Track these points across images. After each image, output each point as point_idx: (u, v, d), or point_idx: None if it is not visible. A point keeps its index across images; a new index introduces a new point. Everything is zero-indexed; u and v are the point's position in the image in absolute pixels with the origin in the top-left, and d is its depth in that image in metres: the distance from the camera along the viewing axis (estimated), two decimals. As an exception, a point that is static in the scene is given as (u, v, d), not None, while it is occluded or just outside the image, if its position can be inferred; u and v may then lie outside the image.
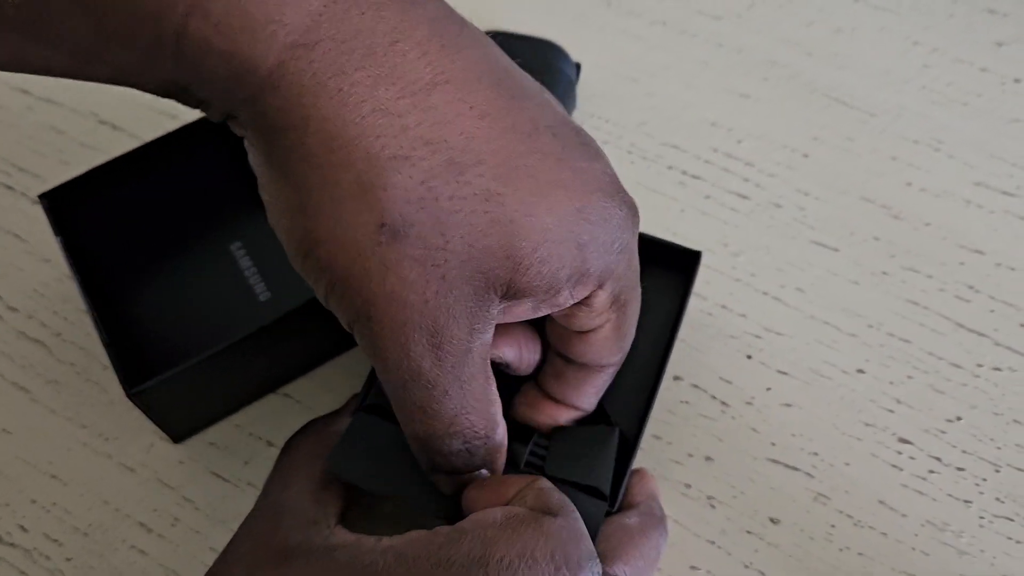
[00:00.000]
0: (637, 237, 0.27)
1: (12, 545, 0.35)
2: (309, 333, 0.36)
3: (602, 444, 0.30)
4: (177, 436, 0.36)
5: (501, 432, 0.27)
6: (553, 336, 0.30)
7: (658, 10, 0.48)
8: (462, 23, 0.25)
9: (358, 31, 0.23)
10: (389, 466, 0.29)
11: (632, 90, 0.45)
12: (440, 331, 0.24)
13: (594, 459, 0.30)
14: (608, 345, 0.29)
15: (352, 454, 0.30)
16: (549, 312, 0.27)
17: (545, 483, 0.28)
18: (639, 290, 0.29)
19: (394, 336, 0.24)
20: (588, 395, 0.30)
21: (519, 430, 0.31)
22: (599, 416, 0.31)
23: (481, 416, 0.26)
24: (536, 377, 0.31)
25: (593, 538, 0.28)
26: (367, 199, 0.23)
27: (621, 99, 0.45)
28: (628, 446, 0.31)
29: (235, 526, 0.34)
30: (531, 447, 0.30)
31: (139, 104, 0.45)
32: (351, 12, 0.23)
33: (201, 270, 0.37)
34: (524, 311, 0.26)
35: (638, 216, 0.27)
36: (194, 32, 0.22)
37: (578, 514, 0.27)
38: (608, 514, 0.30)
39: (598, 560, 0.26)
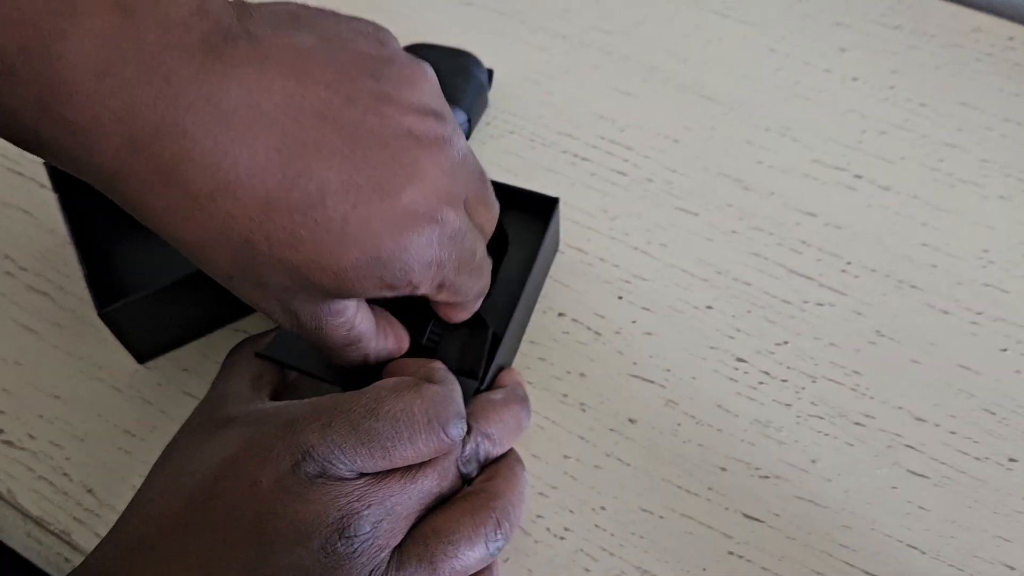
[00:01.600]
0: (450, 232, 0.33)
1: (23, 449, 0.43)
2: None
3: (478, 339, 0.39)
4: (140, 356, 0.45)
5: (380, 355, 0.37)
6: None
7: (561, 25, 0.57)
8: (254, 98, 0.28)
9: (151, 167, 0.27)
10: (311, 355, 0.38)
11: (536, 90, 0.55)
12: (292, 319, 0.33)
13: (472, 350, 0.39)
14: (451, 303, 0.37)
15: (282, 346, 0.39)
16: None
17: (436, 363, 0.37)
18: (472, 260, 0.35)
19: (266, 315, 0.33)
20: (459, 317, 0.39)
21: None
22: (479, 321, 0.40)
23: (347, 359, 0.36)
24: None
25: (465, 406, 0.36)
26: (202, 264, 0.30)
27: (526, 97, 0.54)
28: (496, 341, 0.40)
29: (201, 428, 0.42)
30: (430, 329, 0.40)
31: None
32: (140, 153, 0.27)
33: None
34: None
35: (440, 228, 0.32)
36: (47, 152, 0.27)
37: (457, 385, 0.35)
38: (478, 391, 0.39)
39: (464, 420, 0.35)
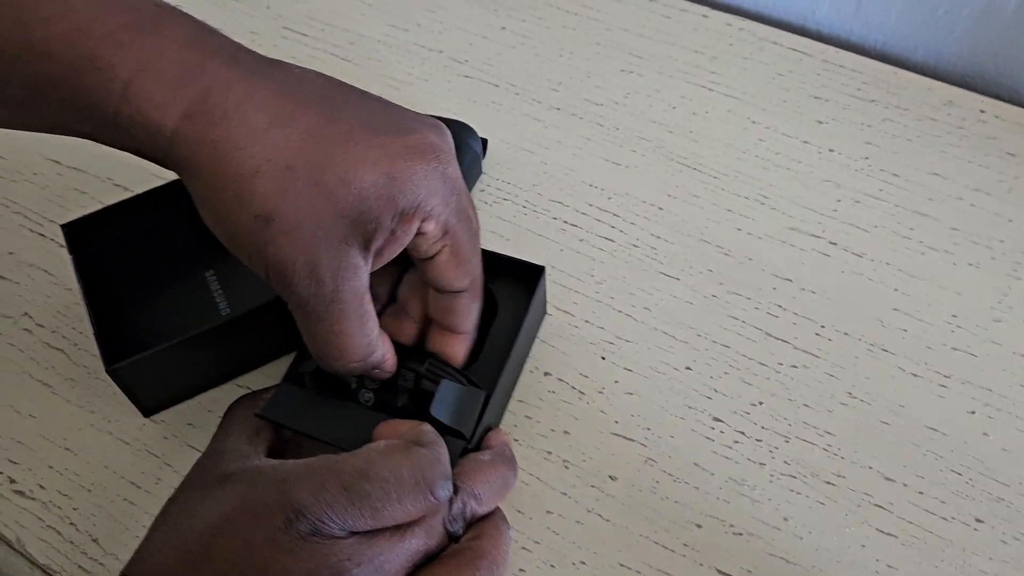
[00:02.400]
0: (448, 182, 0.38)
1: (33, 499, 0.45)
2: (254, 335, 0.47)
3: (470, 400, 0.41)
4: (146, 411, 0.47)
5: (377, 357, 0.40)
6: (421, 275, 0.42)
7: (554, 98, 0.61)
8: (298, 77, 0.37)
9: (218, 103, 0.35)
10: (307, 416, 0.41)
11: (530, 159, 0.58)
12: (313, 277, 0.36)
13: (462, 410, 0.41)
14: (452, 267, 0.40)
15: (279, 406, 0.41)
16: (398, 251, 0.38)
17: (426, 426, 0.39)
18: (469, 222, 0.40)
19: (285, 285, 0.36)
20: (462, 318, 0.42)
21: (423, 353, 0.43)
22: (470, 382, 0.43)
23: (353, 343, 0.38)
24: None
25: (453, 467, 0.39)
26: (242, 202, 0.35)
27: (521, 166, 0.57)
28: (484, 404, 0.42)
29: (203, 481, 0.44)
30: (427, 365, 0.43)
31: (145, 170, 0.58)
32: (212, 92, 0.35)
33: (180, 288, 0.49)
34: (383, 253, 0.37)
35: (448, 160, 0.38)
36: (123, 115, 0.34)
37: (444, 448, 0.38)
38: (466, 451, 0.41)
39: (451, 482, 0.37)
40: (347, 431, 0.42)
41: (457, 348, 0.43)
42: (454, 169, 0.38)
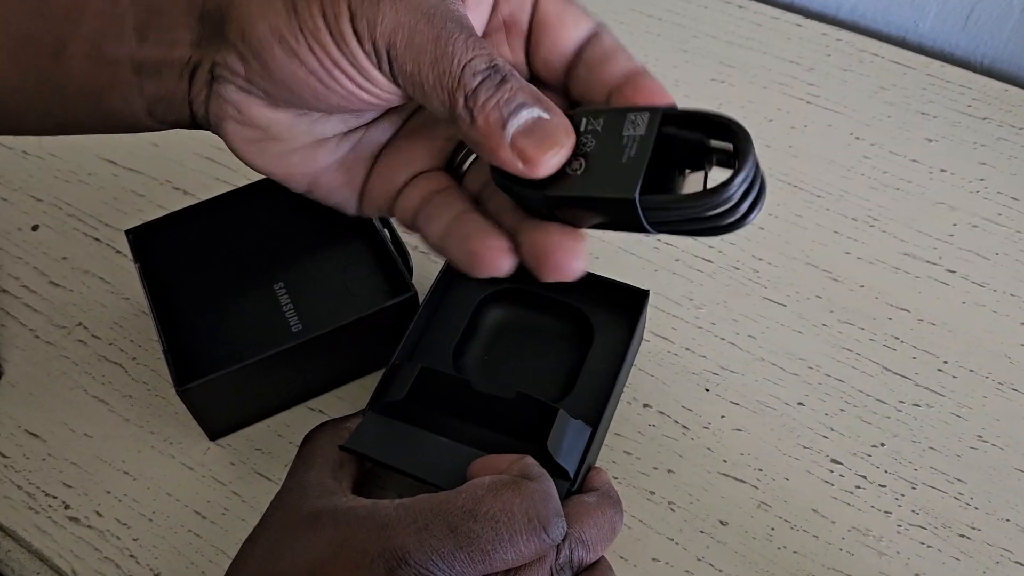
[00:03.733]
0: None
1: (89, 527, 0.42)
2: (329, 357, 0.44)
3: (575, 435, 0.38)
4: (214, 434, 0.43)
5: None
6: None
7: (642, 107, 0.57)
8: None
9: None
10: (396, 448, 0.37)
11: (618, 172, 0.54)
12: None
13: (568, 447, 0.37)
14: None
15: (365, 437, 0.37)
16: None
17: (529, 459, 0.35)
18: None
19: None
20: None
21: None
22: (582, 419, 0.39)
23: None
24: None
25: None
26: None
27: (608, 179, 0.53)
28: (589, 441, 0.38)
29: (275, 513, 0.41)
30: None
31: (205, 174, 0.54)
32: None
33: (249, 302, 0.45)
34: None
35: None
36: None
37: (551, 482, 0.34)
38: (570, 492, 0.37)
39: (564, 519, 0.33)
40: (440, 466, 0.38)
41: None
42: None
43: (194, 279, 0.46)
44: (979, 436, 0.43)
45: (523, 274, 0.46)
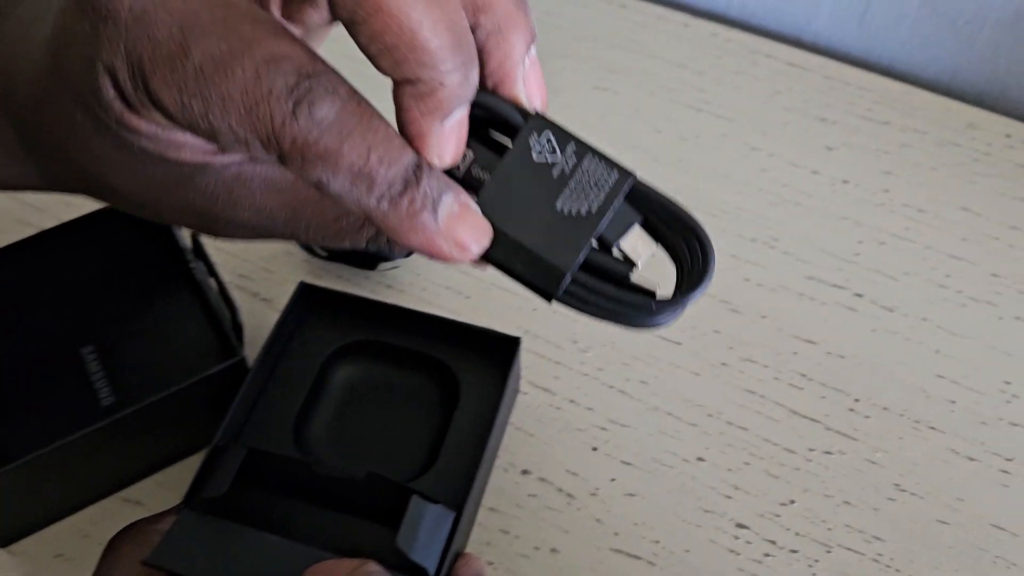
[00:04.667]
0: None
1: None
2: (146, 437, 0.36)
3: (435, 522, 0.31)
4: (6, 539, 0.36)
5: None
6: None
7: (517, 120, 0.51)
8: None
9: None
10: (215, 557, 0.30)
11: (490, 195, 0.48)
12: None
13: (427, 538, 0.31)
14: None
15: (176, 545, 0.30)
16: None
17: (373, 566, 0.28)
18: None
19: None
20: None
21: None
22: (426, 497, 0.32)
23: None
24: None
25: None
26: None
27: (480, 204, 0.47)
28: (454, 527, 0.32)
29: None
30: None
31: (6, 215, 0.46)
32: None
33: (50, 372, 0.37)
34: None
35: None
36: None
37: None
38: None
39: None
40: (269, 574, 0.31)
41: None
42: None
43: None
44: (896, 485, 0.39)
45: (378, 323, 0.39)
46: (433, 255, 0.21)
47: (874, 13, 0.53)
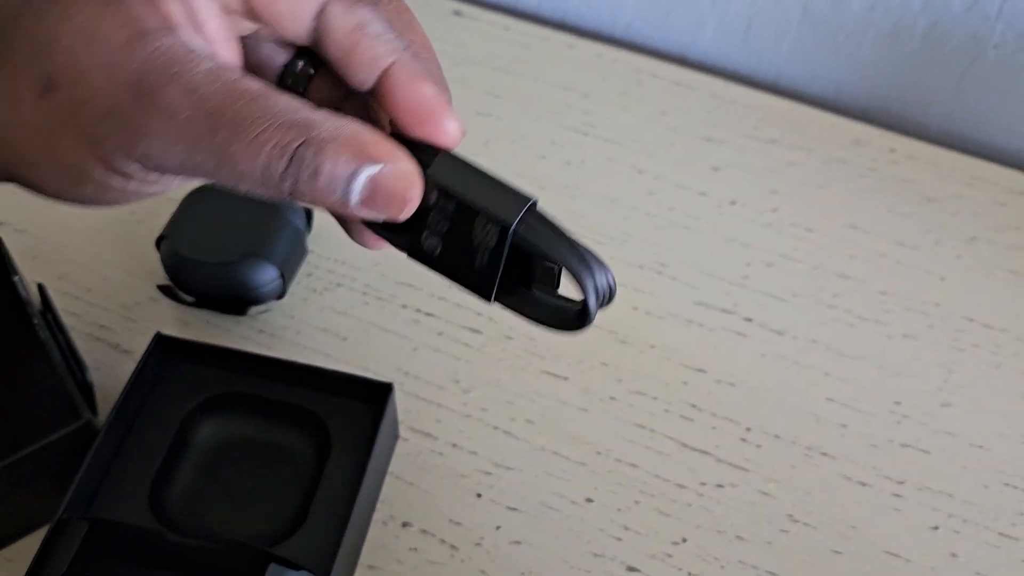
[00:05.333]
0: None
1: None
2: None
3: None
4: None
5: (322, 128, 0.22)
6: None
7: (397, 149, 0.49)
8: None
9: None
10: None
11: (369, 229, 0.45)
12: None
13: None
14: None
15: None
16: None
17: None
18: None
19: None
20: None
21: None
22: (291, 564, 0.30)
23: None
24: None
25: None
26: None
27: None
28: None
29: None
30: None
31: None
32: None
33: None
34: None
35: None
36: None
37: None
38: None
39: None
40: None
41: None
42: None
43: None
44: (789, 515, 0.38)
45: (243, 374, 0.37)
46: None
47: (757, 29, 0.53)
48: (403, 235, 0.24)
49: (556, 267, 0.24)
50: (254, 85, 0.22)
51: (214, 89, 0.21)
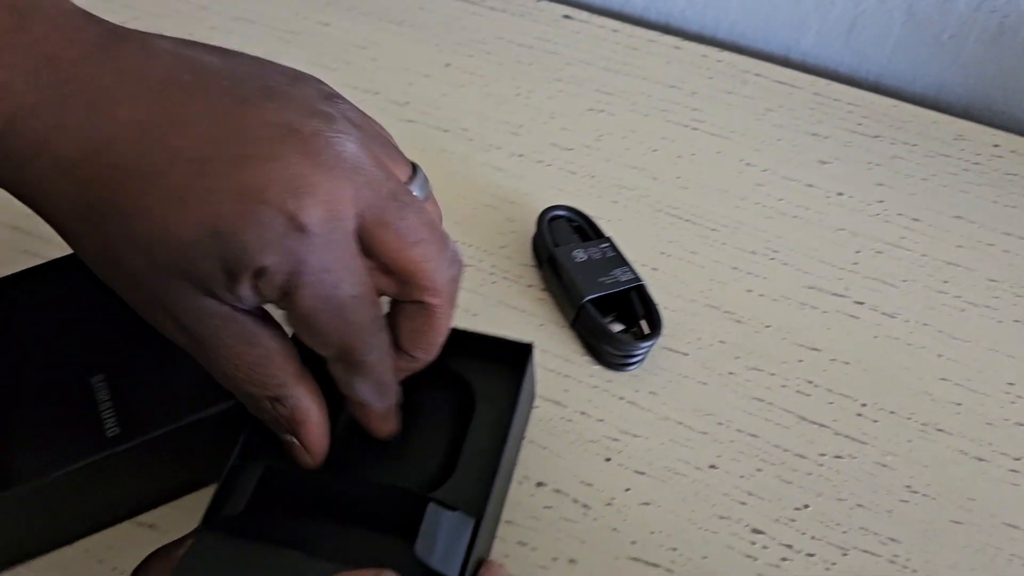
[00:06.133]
0: (295, 232, 0.27)
1: None
2: (157, 468, 0.36)
3: (455, 530, 0.31)
4: (7, 562, 0.35)
5: (293, 400, 0.32)
6: None
7: (516, 143, 0.52)
8: (115, 85, 0.27)
9: (27, 143, 0.26)
10: (236, 574, 0.30)
11: (493, 216, 0.48)
12: (176, 327, 0.29)
13: (448, 546, 0.31)
14: (304, 332, 0.29)
15: (197, 567, 0.30)
16: (254, 302, 0.28)
17: (388, 574, 0.29)
18: (324, 282, 0.28)
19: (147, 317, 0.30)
20: (345, 387, 0.33)
21: None
22: (446, 505, 0.32)
23: (263, 379, 0.30)
24: None
25: None
26: (79, 251, 0.28)
27: (483, 224, 0.48)
28: (474, 534, 0.32)
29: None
30: None
31: (10, 246, 0.46)
32: (17, 131, 0.26)
33: (57, 399, 0.37)
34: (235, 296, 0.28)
35: (293, 221, 0.27)
36: None
37: None
38: None
39: None
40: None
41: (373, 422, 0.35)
42: (315, 211, 0.27)
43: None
44: (908, 487, 0.39)
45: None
46: None
47: (860, 30, 0.55)
48: None
49: None
50: None
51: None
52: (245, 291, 0.27)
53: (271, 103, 0.28)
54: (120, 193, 0.27)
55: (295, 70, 0.31)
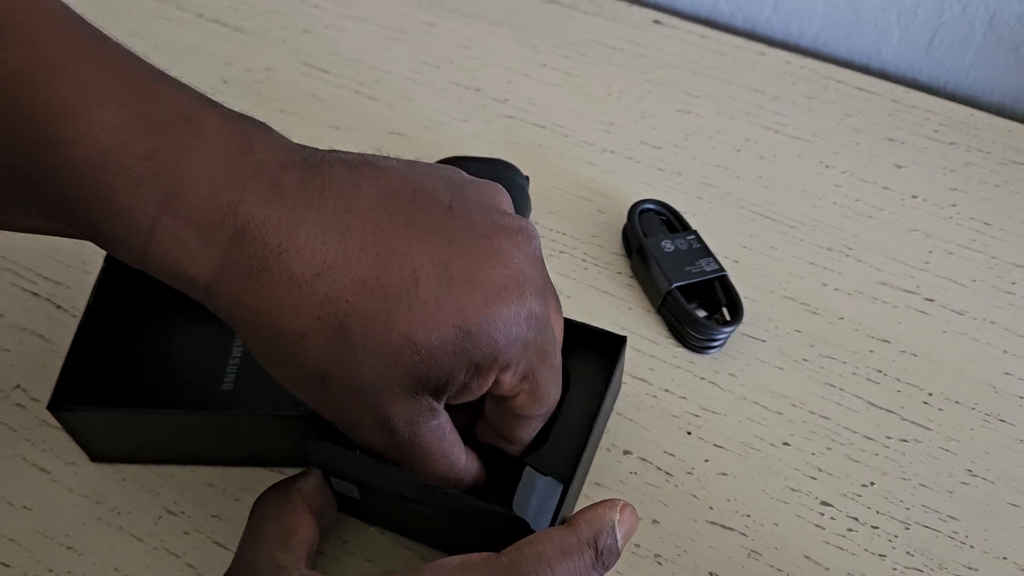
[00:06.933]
0: (532, 323, 0.32)
1: (30, 610, 0.38)
2: (263, 439, 0.41)
3: (546, 494, 0.36)
4: (95, 456, 0.42)
5: (468, 481, 0.36)
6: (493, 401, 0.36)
7: (607, 140, 0.55)
8: (349, 204, 0.30)
9: (256, 252, 0.29)
10: (358, 467, 0.35)
11: (585, 207, 0.52)
12: (385, 428, 0.31)
13: (539, 507, 0.35)
14: (528, 405, 0.34)
15: (333, 462, 0.35)
16: (476, 396, 0.33)
17: (499, 559, 0.33)
18: (553, 358, 0.34)
19: (355, 435, 0.33)
20: (521, 433, 0.36)
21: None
22: (541, 471, 0.36)
23: (440, 474, 0.34)
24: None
25: None
26: (293, 361, 0.30)
27: (575, 215, 0.52)
28: (561, 498, 0.36)
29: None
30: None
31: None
32: (248, 236, 0.29)
33: (196, 342, 0.42)
34: (459, 396, 0.32)
35: (533, 292, 0.32)
36: (152, 257, 0.29)
37: (526, 554, 0.32)
38: None
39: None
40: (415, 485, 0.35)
41: (524, 435, 0.38)
42: (537, 302, 0.32)
43: (149, 309, 0.42)
44: (969, 471, 0.42)
45: None
46: None
47: (941, 41, 0.57)
48: None
49: None
50: None
51: None
52: (482, 386, 0.32)
53: (472, 206, 0.32)
54: (363, 308, 0.29)
55: (463, 176, 0.34)
